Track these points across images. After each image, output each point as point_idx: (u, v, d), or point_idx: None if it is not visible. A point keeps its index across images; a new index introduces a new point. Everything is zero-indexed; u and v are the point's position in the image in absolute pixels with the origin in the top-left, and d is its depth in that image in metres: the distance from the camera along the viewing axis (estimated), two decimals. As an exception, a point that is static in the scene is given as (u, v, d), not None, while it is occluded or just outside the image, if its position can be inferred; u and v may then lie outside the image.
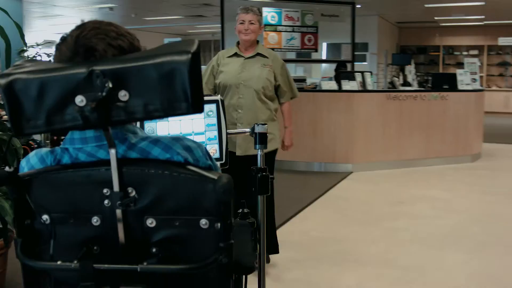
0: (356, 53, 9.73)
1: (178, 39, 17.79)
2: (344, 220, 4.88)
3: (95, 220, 1.23)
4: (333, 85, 7.32)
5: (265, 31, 9.48)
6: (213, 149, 1.95)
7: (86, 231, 1.24)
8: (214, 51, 17.35)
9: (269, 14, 9.42)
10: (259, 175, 1.94)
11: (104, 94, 1.07)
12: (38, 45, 9.07)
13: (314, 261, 3.83)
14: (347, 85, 7.18)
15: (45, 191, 1.26)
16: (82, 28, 1.26)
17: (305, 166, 7.22)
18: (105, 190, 1.20)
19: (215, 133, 1.95)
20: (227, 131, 1.96)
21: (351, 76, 7.28)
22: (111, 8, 12.61)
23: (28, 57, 8.31)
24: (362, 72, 7.44)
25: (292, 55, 11.89)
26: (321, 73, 14.80)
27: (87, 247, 1.24)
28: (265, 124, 2.07)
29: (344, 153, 7.10)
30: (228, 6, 8.82)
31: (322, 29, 9.47)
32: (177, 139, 1.31)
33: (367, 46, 14.28)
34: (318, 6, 9.12)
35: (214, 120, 1.96)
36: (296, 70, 14.89)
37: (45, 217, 1.26)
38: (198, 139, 1.96)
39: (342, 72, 7.70)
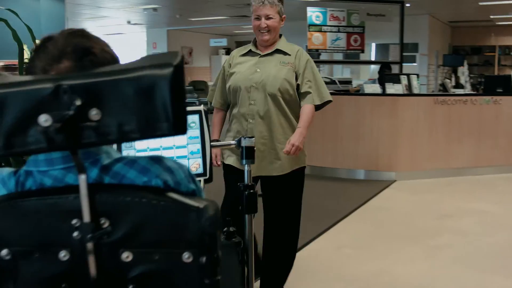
0: (405, 54, 9.33)
1: (224, 39, 17.72)
2: (382, 235, 4.56)
3: (63, 255, 1.08)
4: (376, 88, 6.99)
5: (309, 31, 9.25)
6: (196, 164, 1.77)
7: (53, 267, 1.09)
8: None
9: (313, 14, 9.19)
10: (246, 192, 1.75)
11: (71, 112, 0.94)
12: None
13: (342, 284, 3.54)
14: (391, 88, 6.82)
15: (5, 222, 1.11)
16: (69, 31, 1.16)
17: (346, 174, 6.91)
18: (74, 221, 1.06)
19: (198, 146, 1.77)
20: (211, 143, 1.76)
21: (396, 79, 6.92)
22: (155, 9, 12.62)
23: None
24: (408, 75, 7.06)
25: (338, 56, 11.59)
26: (369, 74, 14.42)
27: (55, 286, 1.09)
28: (252, 137, 1.85)
29: (388, 160, 6.74)
30: (271, 5, 8.60)
31: (370, 29, 9.17)
32: (157, 160, 1.17)
33: (417, 46, 13.77)
34: (364, 5, 8.79)
35: (196, 132, 1.79)
36: (343, 72, 14.58)
37: (5, 252, 1.10)
38: (179, 153, 1.81)
39: (387, 75, 7.35)
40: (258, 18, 2.82)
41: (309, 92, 2.87)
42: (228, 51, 19.22)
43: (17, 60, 7.88)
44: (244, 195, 1.79)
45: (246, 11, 13.09)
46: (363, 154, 6.81)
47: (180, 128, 0.97)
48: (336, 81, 10.71)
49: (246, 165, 1.86)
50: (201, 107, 1.85)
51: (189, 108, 1.88)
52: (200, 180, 1.85)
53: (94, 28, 16.96)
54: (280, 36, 2.96)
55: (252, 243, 1.82)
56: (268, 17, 2.79)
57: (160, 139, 1.85)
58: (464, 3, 11.98)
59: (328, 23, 9.13)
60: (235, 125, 2.91)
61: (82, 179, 1.03)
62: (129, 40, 19.56)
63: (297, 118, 2.92)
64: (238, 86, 2.86)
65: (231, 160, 2.89)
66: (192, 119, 1.88)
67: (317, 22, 9.14)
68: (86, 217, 1.04)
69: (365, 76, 14.14)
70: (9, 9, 3.27)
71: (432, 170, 6.81)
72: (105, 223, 1.06)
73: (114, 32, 18.33)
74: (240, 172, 2.78)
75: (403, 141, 6.72)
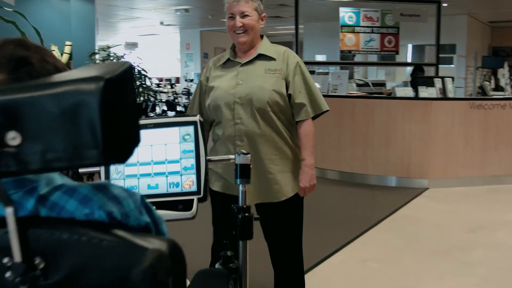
0: (441, 55, 9.00)
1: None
2: (411, 248, 4.31)
3: None
4: (408, 91, 6.71)
5: (341, 32, 9.02)
6: (190, 180, 1.59)
7: None
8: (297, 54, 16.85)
9: (346, 15, 9.02)
10: (240, 216, 1.56)
11: None
12: (109, 47, 9.08)
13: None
14: (424, 92, 6.53)
15: None
16: (5, 40, 1.03)
17: (376, 180, 6.65)
18: (5, 260, 0.92)
19: (193, 161, 1.58)
20: (208, 158, 1.56)
21: (429, 82, 6.62)
22: (186, 10, 12.55)
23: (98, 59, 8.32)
24: (442, 78, 6.75)
25: (373, 58, 11.32)
26: (405, 76, 14.06)
27: None
28: (248, 153, 1.65)
29: (420, 167, 6.45)
30: (303, 5, 8.42)
31: (407, 29, 8.88)
32: (101, 188, 1.01)
33: (454, 47, 13.34)
34: (398, 5, 8.50)
35: (191, 146, 1.61)
36: (377, 74, 14.24)
37: None
38: (172, 168, 1.64)
39: (420, 78, 7.05)
40: (232, 16, 2.40)
41: (303, 105, 2.46)
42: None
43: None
44: (237, 219, 1.58)
45: (278, 12, 12.92)
46: (394, 160, 6.54)
47: (112, 157, 0.81)
48: (369, 83, 10.42)
49: (240, 185, 1.65)
50: (197, 118, 1.66)
51: (183, 119, 1.70)
52: (193, 199, 1.66)
53: (128, 29, 17.06)
54: (262, 37, 2.54)
55: (246, 272, 1.62)
56: (243, 15, 2.37)
57: (151, 153, 1.69)
58: (505, 2, 11.53)
59: (361, 23, 8.95)
60: (220, 147, 2.52)
61: (9, 213, 0.88)
62: (163, 41, 19.63)
63: (291, 130, 2.54)
64: (219, 104, 2.44)
65: (218, 185, 2.53)
66: (187, 131, 1.70)
67: (350, 23, 8.96)
68: (17, 256, 0.90)
69: (401, 78, 13.79)
70: (16, 11, 3.17)
71: (467, 178, 6.48)
72: (40, 263, 0.92)
73: (147, 33, 18.39)
74: (230, 199, 2.34)
75: (436, 147, 6.42)
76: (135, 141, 0.89)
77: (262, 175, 2.46)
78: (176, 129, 1.66)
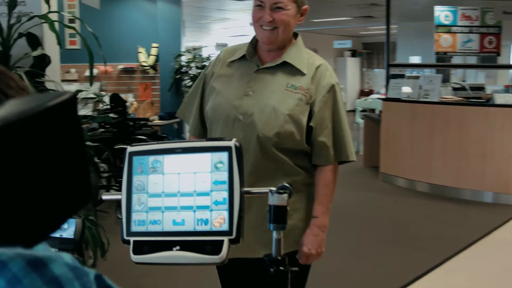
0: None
1: (348, 41, 17.08)
2: (506, 279, 3.79)
3: None
4: (509, 98, 6.07)
5: (436, 32, 8.46)
6: (221, 218, 1.27)
7: None
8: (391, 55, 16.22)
9: (442, 14, 8.49)
10: (272, 269, 1.23)
11: None
12: (194, 49, 9.04)
13: None
14: (528, 98, 5.89)
15: None
16: None
17: (471, 195, 6.07)
18: None
19: (225, 194, 1.25)
20: (243, 189, 1.22)
21: (534, 88, 5.96)
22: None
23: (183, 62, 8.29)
24: (550, 83, 6.06)
25: (471, 60, 10.58)
26: (508, 79, 13.08)
27: None
28: (284, 192, 1.27)
29: (521, 182, 5.82)
30: (395, 4, 7.96)
31: (510, 29, 8.20)
32: (38, 266, 0.72)
33: None
34: (501, 2, 7.83)
35: (224, 176, 1.27)
36: (476, 77, 13.33)
37: None
38: (200, 201, 1.31)
39: (523, 83, 6.38)
40: (260, 5, 1.75)
41: (326, 146, 1.82)
42: (353, 53, 18.48)
43: (135, 63, 8.11)
44: (269, 272, 1.27)
45: (369, 11, 12.42)
46: (492, 173, 5.94)
47: (9, 239, 0.57)
48: (466, 87, 9.70)
49: (274, 232, 1.33)
50: (232, 142, 1.32)
51: (215, 144, 1.38)
52: (223, 241, 1.33)
53: (219, 30, 17.21)
54: (296, 36, 1.89)
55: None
56: (276, 6, 1.73)
57: (179, 183, 1.39)
58: None
59: (459, 23, 8.43)
60: None
61: None
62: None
63: (306, 167, 1.87)
64: (218, 116, 1.84)
65: None
66: (220, 158, 1.37)
67: (446, 23, 8.46)
68: None
69: (503, 82, 12.82)
70: (74, 16, 3.05)
71: None
72: None
73: (238, 34, 18.43)
74: (236, 264, 1.75)
75: (541, 161, 5.76)
76: (72, 208, 0.61)
77: (256, 222, 1.68)
78: (207, 155, 1.35)
